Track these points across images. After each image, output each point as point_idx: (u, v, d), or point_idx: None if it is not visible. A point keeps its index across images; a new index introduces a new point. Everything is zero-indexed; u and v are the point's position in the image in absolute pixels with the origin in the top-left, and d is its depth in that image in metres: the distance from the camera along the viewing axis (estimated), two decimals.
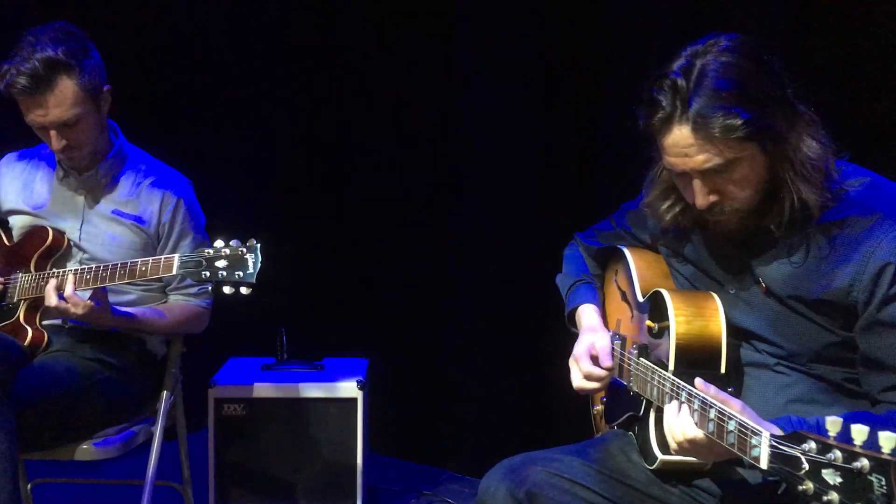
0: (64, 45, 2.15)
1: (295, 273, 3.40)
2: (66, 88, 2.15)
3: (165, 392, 2.36)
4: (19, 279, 2.25)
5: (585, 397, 2.02)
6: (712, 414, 1.37)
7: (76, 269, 2.16)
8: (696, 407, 1.40)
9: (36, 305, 2.24)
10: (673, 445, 1.46)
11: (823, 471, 1.12)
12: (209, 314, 2.44)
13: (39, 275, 2.22)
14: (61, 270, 2.18)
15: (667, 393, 1.51)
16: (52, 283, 2.12)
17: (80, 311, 2.09)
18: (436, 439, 3.34)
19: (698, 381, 1.42)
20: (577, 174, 2.97)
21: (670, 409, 1.47)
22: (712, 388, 1.40)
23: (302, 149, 3.58)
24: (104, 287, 2.14)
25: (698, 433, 1.39)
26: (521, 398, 3.11)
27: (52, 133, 2.17)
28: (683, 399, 1.44)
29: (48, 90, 2.12)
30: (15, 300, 2.24)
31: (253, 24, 3.52)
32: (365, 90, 3.41)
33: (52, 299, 2.10)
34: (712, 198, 1.52)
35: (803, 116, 1.51)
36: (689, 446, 1.43)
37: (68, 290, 2.09)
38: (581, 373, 1.76)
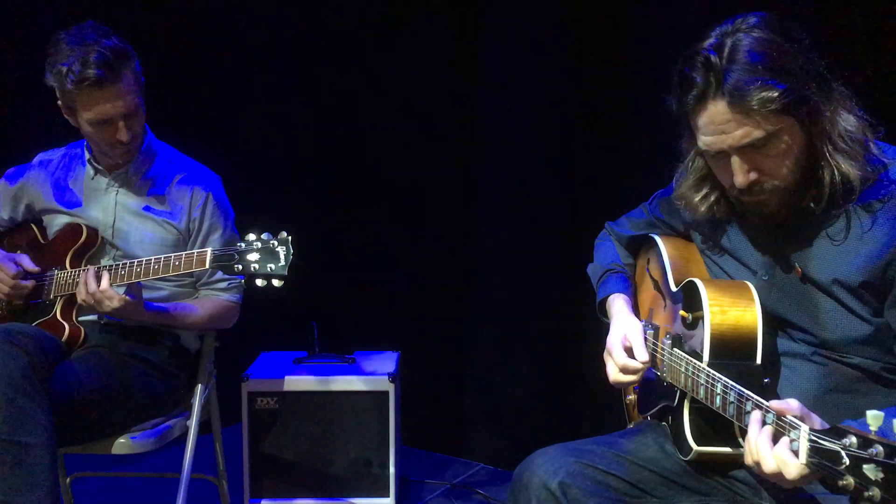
0: (114, 37, 2.19)
1: (325, 268, 3.42)
2: (131, 77, 2.20)
3: (200, 386, 2.38)
4: (55, 276, 2.28)
5: (617, 388, 2.00)
6: (748, 407, 1.35)
7: (110, 265, 2.19)
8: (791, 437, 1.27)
9: (72, 302, 2.27)
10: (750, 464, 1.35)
11: (864, 466, 1.10)
12: (239, 309, 2.46)
13: (75, 272, 2.25)
14: (95, 267, 2.20)
15: (746, 413, 1.38)
16: (83, 277, 2.14)
17: (114, 304, 2.11)
18: (467, 431, 3.34)
19: (774, 402, 1.32)
20: (603, 164, 2.94)
21: (763, 436, 1.33)
22: (796, 406, 1.30)
23: (331, 144, 3.59)
24: (139, 282, 2.16)
25: (803, 470, 1.24)
26: (552, 389, 3.10)
27: (121, 124, 2.20)
28: (748, 409, 1.32)
29: (119, 79, 2.16)
30: (51, 297, 2.28)
31: (277, 19, 3.53)
32: (391, 84, 3.41)
33: (82, 293, 2.12)
34: (752, 175, 1.49)
35: (837, 91, 1.49)
36: (777, 478, 1.30)
37: (104, 283, 2.11)
38: (617, 366, 1.73)
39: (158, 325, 2.33)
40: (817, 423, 1.32)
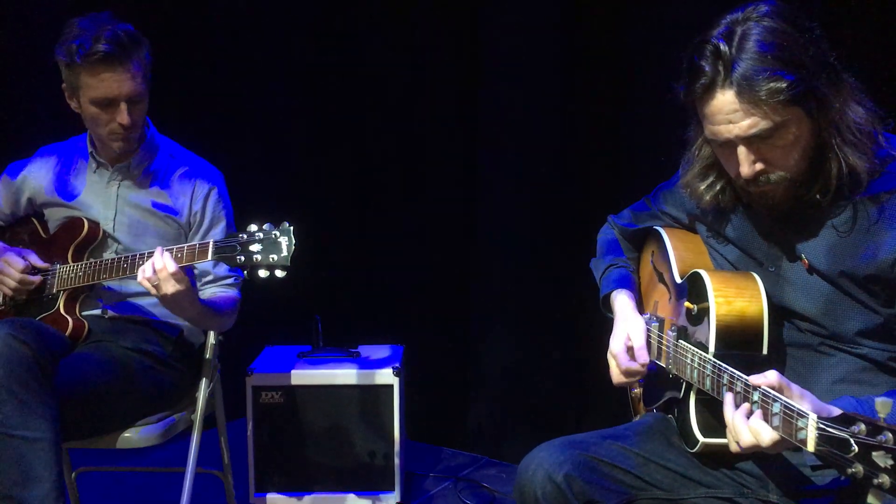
0: (130, 26, 2.20)
1: (329, 261, 3.42)
2: (140, 62, 2.21)
3: (204, 380, 2.37)
4: (58, 270, 2.28)
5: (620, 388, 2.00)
6: (755, 396, 1.34)
7: (126, 255, 2.17)
8: (770, 407, 1.32)
9: (75, 296, 2.27)
10: (734, 447, 1.39)
11: (874, 453, 1.10)
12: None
13: (77, 266, 2.25)
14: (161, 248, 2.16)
15: (725, 386, 1.44)
16: (157, 252, 2.04)
17: (173, 288, 2.00)
18: (472, 425, 3.34)
19: (753, 377, 1.36)
20: (606, 156, 2.94)
21: (738, 411, 1.38)
22: (774, 378, 1.34)
23: (334, 140, 3.59)
24: (190, 268, 2.07)
25: (774, 435, 1.31)
26: (557, 382, 3.10)
27: (123, 107, 2.20)
28: (755, 399, 1.35)
29: (128, 60, 2.17)
30: (54, 291, 2.27)
31: (278, 14, 3.52)
32: (394, 79, 3.41)
33: (148, 270, 2.02)
34: (758, 166, 1.49)
35: (847, 82, 1.48)
36: (757, 448, 1.36)
37: (171, 266, 2.02)
38: (619, 369, 1.75)
39: (195, 322, 2.29)
40: (796, 392, 1.33)
